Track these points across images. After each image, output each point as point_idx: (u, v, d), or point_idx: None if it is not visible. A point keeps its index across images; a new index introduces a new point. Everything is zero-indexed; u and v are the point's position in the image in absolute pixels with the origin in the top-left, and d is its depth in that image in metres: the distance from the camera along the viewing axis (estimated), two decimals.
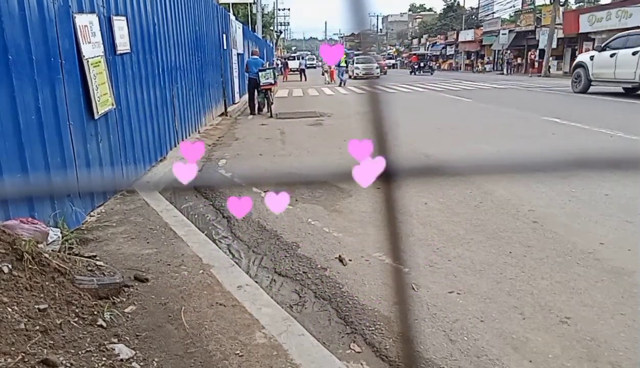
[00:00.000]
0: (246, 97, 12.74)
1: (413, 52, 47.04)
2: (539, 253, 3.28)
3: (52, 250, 2.61)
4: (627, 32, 12.91)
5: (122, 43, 4.78)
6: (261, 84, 10.85)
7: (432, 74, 36.14)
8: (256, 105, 11.53)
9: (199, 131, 8.42)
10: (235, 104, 13.04)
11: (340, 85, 21.76)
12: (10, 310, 1.89)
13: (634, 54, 11.78)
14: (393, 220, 0.39)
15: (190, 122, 7.85)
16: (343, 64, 22.74)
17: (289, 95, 17.46)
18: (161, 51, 6.17)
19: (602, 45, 13.28)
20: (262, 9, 35.05)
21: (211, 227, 4.14)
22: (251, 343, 2.20)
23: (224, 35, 11.50)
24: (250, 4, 28.58)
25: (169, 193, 4.58)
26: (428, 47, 52.19)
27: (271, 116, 10.98)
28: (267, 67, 11.48)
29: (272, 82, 10.93)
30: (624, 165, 0.39)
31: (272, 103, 11.26)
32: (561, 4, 28.93)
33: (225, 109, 11.42)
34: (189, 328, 2.29)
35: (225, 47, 11.60)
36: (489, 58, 39.12)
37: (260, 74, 10.76)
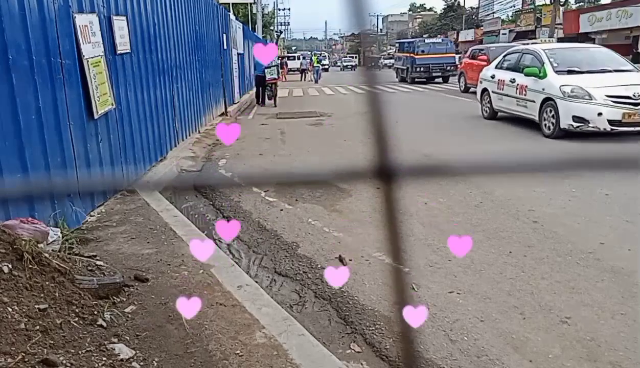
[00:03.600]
0: (246, 97, 14.85)
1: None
2: (539, 253, 3.28)
3: (52, 250, 2.61)
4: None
5: (122, 43, 4.78)
6: (267, 78, 13.10)
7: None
8: (260, 98, 13.67)
9: (199, 131, 8.42)
10: (236, 103, 13.04)
11: (315, 83, 24.71)
12: (10, 310, 1.89)
13: None
14: (393, 220, 0.39)
15: (191, 121, 7.85)
16: (317, 64, 26.37)
17: (289, 95, 17.47)
18: (161, 51, 6.17)
19: None
20: (262, 9, 34.98)
21: (211, 227, 4.14)
22: (251, 343, 2.20)
23: (224, 35, 11.50)
24: (250, 4, 28.53)
25: (169, 193, 4.58)
26: None
27: (275, 106, 13.15)
28: (272, 65, 13.49)
29: (276, 76, 13.38)
30: (624, 165, 0.39)
31: (276, 94, 13.49)
32: (561, 3, 28.95)
33: (226, 108, 11.43)
34: (189, 328, 2.29)
35: (225, 47, 11.60)
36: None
37: (266, 70, 13.01)
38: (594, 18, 23.71)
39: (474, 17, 46.85)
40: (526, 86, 7.82)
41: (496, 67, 9.28)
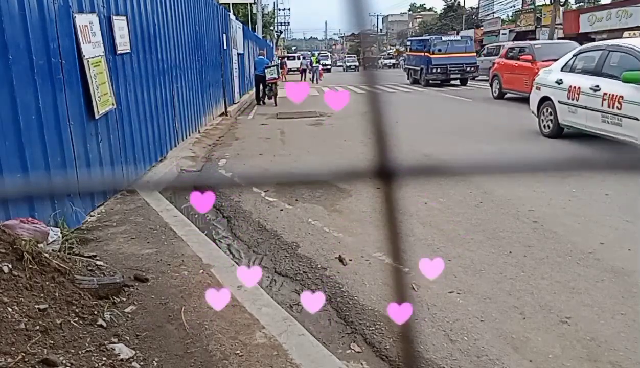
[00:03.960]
0: (246, 97, 15.07)
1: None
2: (539, 253, 3.28)
3: (52, 250, 2.61)
4: None
5: (122, 43, 4.78)
6: (267, 78, 13.37)
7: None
8: (260, 97, 13.95)
9: (199, 131, 8.42)
10: (236, 103, 13.05)
11: (313, 82, 25.39)
12: (10, 310, 1.89)
13: None
14: (393, 220, 0.39)
15: (191, 121, 7.85)
16: (316, 64, 26.79)
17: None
18: (161, 51, 6.17)
19: None
20: (262, 9, 34.96)
21: (211, 227, 4.14)
22: (251, 343, 2.20)
23: (224, 35, 11.50)
24: (250, 4, 28.54)
25: (169, 193, 4.58)
26: None
27: (275, 104, 13.41)
28: (272, 64, 14.21)
29: (276, 76, 13.66)
30: (624, 165, 0.39)
31: (276, 94, 13.67)
32: (561, 3, 28.92)
33: (226, 108, 11.43)
34: (189, 328, 2.29)
35: (225, 47, 11.60)
36: None
37: (266, 70, 13.33)
38: (594, 18, 23.70)
39: (474, 17, 46.83)
40: (621, 97, 5.76)
41: (562, 70, 7.21)
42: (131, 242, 3.39)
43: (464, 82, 18.86)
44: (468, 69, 18.21)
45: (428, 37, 20.60)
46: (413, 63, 20.55)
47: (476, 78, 19.58)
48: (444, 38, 19.50)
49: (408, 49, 22.45)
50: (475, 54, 19.11)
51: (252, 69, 17.87)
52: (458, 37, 20.07)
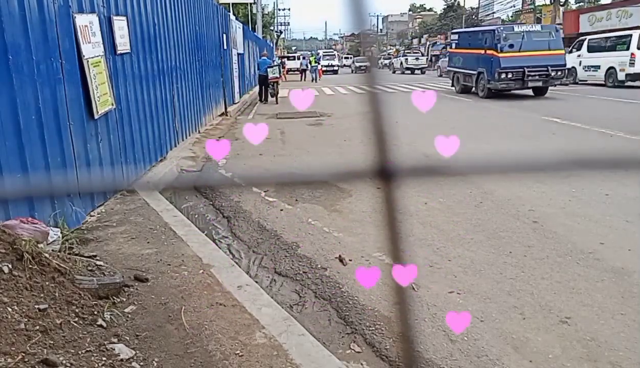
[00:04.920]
0: (246, 97, 15.68)
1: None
2: (539, 253, 3.28)
3: (52, 250, 2.61)
4: None
5: (122, 43, 4.78)
6: (269, 77, 13.99)
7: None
8: (263, 96, 14.62)
9: (199, 131, 8.42)
10: (236, 103, 13.05)
11: (312, 81, 25.94)
12: (10, 310, 1.89)
13: None
14: (393, 220, 0.39)
15: (191, 122, 7.85)
16: (314, 64, 27.06)
17: (289, 95, 17.45)
18: (161, 51, 6.17)
19: None
20: (262, 9, 34.97)
21: (211, 227, 4.14)
22: (251, 343, 2.20)
23: (224, 35, 11.50)
24: (250, 4, 28.58)
25: (169, 193, 4.58)
26: (428, 47, 51.71)
27: (277, 102, 13.92)
28: (274, 64, 14.91)
29: (278, 76, 14.39)
30: (624, 165, 0.39)
31: (278, 92, 14.38)
32: (561, 3, 28.93)
33: (226, 109, 11.43)
34: (189, 328, 2.29)
35: (225, 47, 11.60)
36: None
37: (268, 70, 13.95)
38: (594, 18, 23.70)
39: (474, 17, 46.82)
40: None
41: None
42: (131, 242, 3.39)
43: (541, 91, 13.41)
44: (553, 73, 12.71)
45: (492, 27, 14.16)
46: (463, 64, 14.81)
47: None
48: (516, 28, 13.36)
49: (453, 45, 16.16)
50: (563, 51, 13.42)
51: (252, 69, 17.97)
52: (538, 27, 13.89)
